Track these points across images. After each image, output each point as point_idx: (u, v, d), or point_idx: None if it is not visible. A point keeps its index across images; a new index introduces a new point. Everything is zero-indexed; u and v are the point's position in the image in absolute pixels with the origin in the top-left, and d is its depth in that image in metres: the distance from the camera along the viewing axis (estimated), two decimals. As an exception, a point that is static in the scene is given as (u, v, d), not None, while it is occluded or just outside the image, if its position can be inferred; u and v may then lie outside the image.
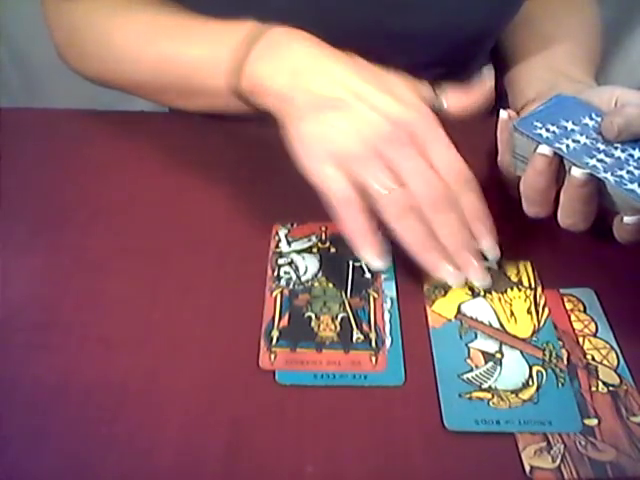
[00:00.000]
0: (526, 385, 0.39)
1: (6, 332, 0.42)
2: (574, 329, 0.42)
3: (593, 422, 0.37)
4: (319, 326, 0.42)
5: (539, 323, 0.42)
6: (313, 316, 0.43)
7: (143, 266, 0.46)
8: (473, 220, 0.42)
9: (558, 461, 0.35)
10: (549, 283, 0.45)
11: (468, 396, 0.38)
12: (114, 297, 0.44)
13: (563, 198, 0.40)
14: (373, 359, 0.40)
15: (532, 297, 0.44)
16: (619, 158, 0.40)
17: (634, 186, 0.38)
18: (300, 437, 0.36)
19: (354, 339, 0.41)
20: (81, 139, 0.58)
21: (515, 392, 0.38)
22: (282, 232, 0.49)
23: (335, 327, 0.42)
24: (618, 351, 0.41)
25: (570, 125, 0.42)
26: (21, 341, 0.41)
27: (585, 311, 0.43)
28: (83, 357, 0.40)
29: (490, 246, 0.42)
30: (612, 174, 0.38)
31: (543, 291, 0.44)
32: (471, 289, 0.44)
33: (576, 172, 0.38)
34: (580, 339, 0.41)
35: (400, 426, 0.37)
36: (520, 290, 0.44)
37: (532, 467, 0.35)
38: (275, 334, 0.41)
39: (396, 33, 0.54)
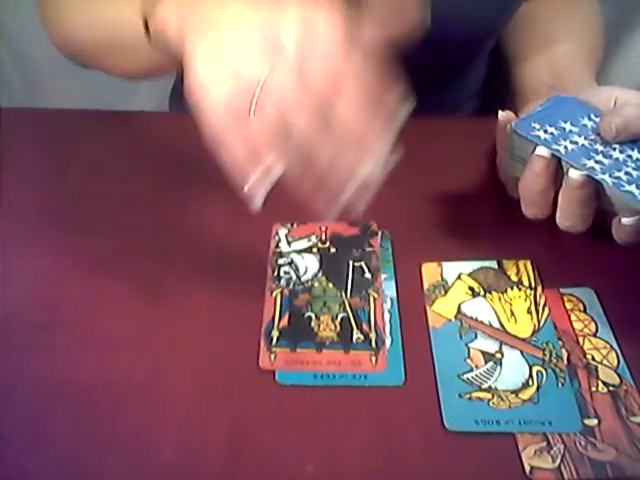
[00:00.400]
0: (526, 385, 0.39)
1: (7, 332, 0.42)
2: (574, 329, 0.42)
3: (593, 422, 0.37)
4: (319, 326, 0.42)
5: (539, 323, 0.42)
6: (313, 316, 0.43)
7: (143, 266, 0.46)
8: (347, 137, 0.36)
9: (558, 461, 0.35)
10: (549, 283, 0.45)
11: (468, 396, 0.38)
12: (114, 297, 0.44)
13: (561, 200, 0.40)
14: (373, 359, 0.40)
15: (532, 297, 0.44)
16: (617, 159, 0.40)
17: (632, 187, 0.38)
18: (300, 437, 0.36)
19: (354, 339, 0.41)
20: (81, 139, 0.58)
21: (515, 392, 0.38)
22: (282, 232, 0.49)
23: (335, 327, 0.42)
24: (618, 351, 0.41)
25: (568, 126, 0.42)
26: (22, 341, 0.42)
27: (585, 311, 0.43)
28: (83, 357, 0.40)
29: (367, 168, 0.36)
30: (610, 175, 0.38)
31: (543, 291, 0.44)
32: (471, 289, 0.44)
33: (574, 174, 0.38)
34: (580, 339, 0.41)
35: (400, 426, 0.37)
36: (520, 290, 0.44)
37: (532, 467, 0.35)
38: (275, 334, 0.41)
39: None
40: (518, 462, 0.35)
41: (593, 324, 0.42)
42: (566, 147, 0.40)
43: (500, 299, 0.44)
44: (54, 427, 0.37)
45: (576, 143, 0.40)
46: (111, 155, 0.56)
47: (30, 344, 0.41)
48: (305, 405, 0.38)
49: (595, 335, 0.42)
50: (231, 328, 0.42)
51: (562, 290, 0.44)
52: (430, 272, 0.46)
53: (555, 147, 0.40)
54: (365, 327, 0.42)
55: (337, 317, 0.43)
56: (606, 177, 0.38)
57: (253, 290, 0.44)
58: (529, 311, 0.43)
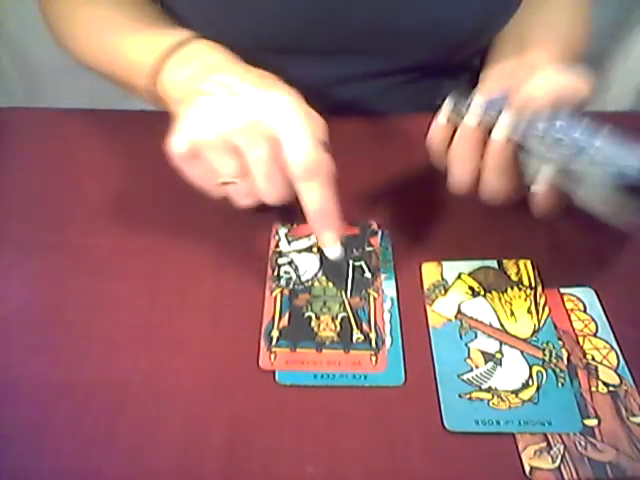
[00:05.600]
0: (526, 385, 0.39)
1: (7, 332, 0.42)
2: (574, 329, 0.42)
3: (593, 422, 0.37)
4: (319, 326, 0.42)
5: (539, 323, 0.42)
6: (313, 316, 0.43)
7: (143, 266, 0.46)
8: (312, 215, 0.41)
9: (558, 461, 0.35)
10: (549, 283, 0.45)
11: (468, 396, 0.38)
12: (114, 297, 0.44)
13: (485, 169, 0.41)
14: (373, 359, 0.40)
15: (532, 297, 0.44)
16: (531, 127, 0.40)
17: (541, 148, 0.38)
18: (300, 437, 0.36)
19: (354, 339, 0.41)
20: (81, 139, 0.58)
21: (515, 392, 0.38)
22: (282, 231, 0.49)
23: (335, 327, 0.42)
24: (618, 351, 0.41)
25: (492, 112, 0.43)
26: (21, 341, 0.42)
27: (585, 311, 0.43)
28: (83, 357, 0.40)
29: (325, 242, 0.42)
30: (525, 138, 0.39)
31: (543, 291, 0.44)
32: (471, 289, 0.44)
33: (497, 134, 0.40)
34: (580, 339, 0.41)
35: (400, 426, 0.37)
36: (520, 290, 0.44)
37: (532, 467, 0.35)
38: (275, 334, 0.41)
39: (396, 30, 0.54)
40: (518, 462, 0.35)
41: (593, 324, 0.42)
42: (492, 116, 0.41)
43: (500, 299, 0.44)
44: (54, 427, 0.37)
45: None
46: (111, 155, 0.56)
47: (30, 344, 0.41)
48: (305, 405, 0.38)
49: (595, 335, 0.42)
50: (231, 328, 0.42)
51: (562, 290, 0.44)
52: (430, 272, 0.46)
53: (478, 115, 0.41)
54: (365, 327, 0.42)
55: (337, 317, 0.43)
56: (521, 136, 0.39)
57: (253, 290, 0.44)
58: (529, 311, 0.43)
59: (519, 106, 0.42)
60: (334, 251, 0.43)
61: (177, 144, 0.42)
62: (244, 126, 0.40)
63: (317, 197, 0.40)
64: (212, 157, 0.41)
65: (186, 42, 0.48)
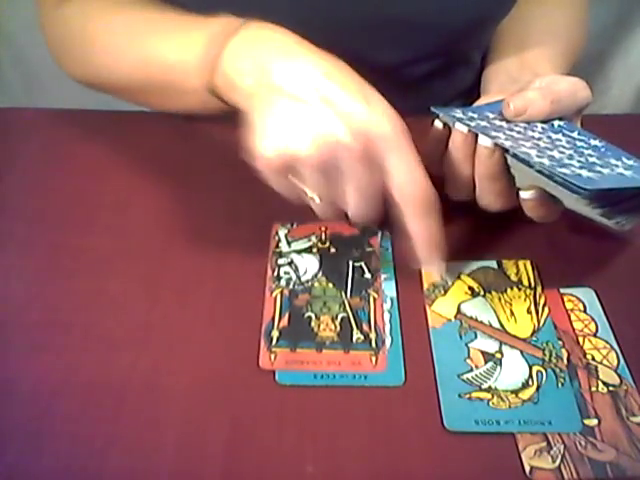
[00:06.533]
0: (526, 385, 0.39)
1: (6, 332, 0.42)
2: (574, 329, 0.42)
3: (593, 422, 0.37)
4: (319, 326, 0.42)
5: (539, 323, 0.42)
6: (313, 316, 0.43)
7: (143, 266, 0.46)
8: (420, 246, 0.41)
9: (558, 461, 0.35)
10: (549, 283, 0.45)
11: (468, 396, 0.38)
12: (114, 297, 0.44)
13: (475, 176, 0.42)
14: (373, 359, 0.40)
15: (532, 297, 0.44)
16: (524, 135, 0.41)
17: (532, 153, 0.38)
18: (300, 437, 0.36)
19: (354, 339, 0.41)
20: (81, 139, 0.58)
21: (515, 392, 0.38)
22: (282, 232, 0.49)
23: (335, 327, 0.42)
24: (618, 351, 0.41)
25: (491, 115, 0.43)
26: (21, 341, 0.42)
27: (585, 311, 0.43)
28: (83, 357, 0.40)
29: (433, 273, 0.44)
30: (514, 147, 0.39)
31: (543, 291, 0.44)
32: (471, 289, 0.44)
33: (483, 140, 0.40)
34: (580, 339, 0.41)
35: (400, 426, 0.37)
36: (520, 290, 0.44)
37: (532, 467, 0.35)
38: (275, 334, 0.41)
39: (396, 21, 0.53)
40: (518, 462, 0.35)
41: (593, 324, 0.42)
42: (479, 124, 0.41)
43: (500, 299, 0.44)
44: (54, 427, 0.37)
45: (493, 124, 0.42)
46: (111, 155, 0.56)
47: (30, 344, 0.41)
48: (305, 405, 0.38)
49: (595, 335, 0.42)
50: (231, 328, 0.42)
51: (562, 290, 0.44)
52: (430, 272, 0.46)
53: (468, 122, 0.41)
54: (365, 327, 0.42)
55: (337, 317, 0.43)
56: (508, 143, 0.39)
57: (253, 290, 0.44)
58: (529, 311, 0.43)
59: (518, 111, 0.42)
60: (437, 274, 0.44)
61: (267, 151, 0.38)
62: (346, 146, 0.36)
63: (427, 229, 0.39)
64: (304, 173, 0.38)
65: (241, 25, 0.42)
